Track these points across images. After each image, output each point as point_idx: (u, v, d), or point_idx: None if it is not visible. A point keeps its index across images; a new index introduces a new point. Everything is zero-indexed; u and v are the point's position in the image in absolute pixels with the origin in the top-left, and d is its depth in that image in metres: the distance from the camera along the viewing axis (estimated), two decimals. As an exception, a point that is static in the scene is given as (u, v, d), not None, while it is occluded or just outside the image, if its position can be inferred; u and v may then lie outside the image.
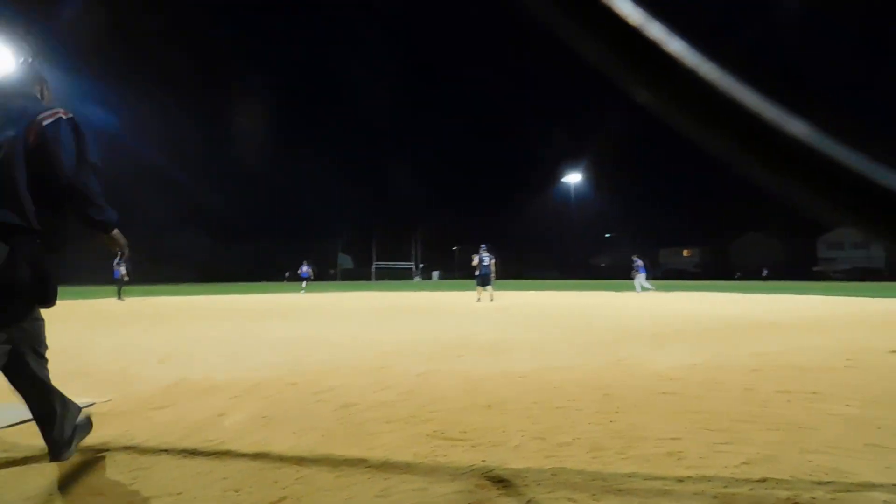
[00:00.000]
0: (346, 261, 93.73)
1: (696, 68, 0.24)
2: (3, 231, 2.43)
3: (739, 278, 69.55)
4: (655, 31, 0.26)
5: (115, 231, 2.77)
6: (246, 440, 3.23)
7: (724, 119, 0.24)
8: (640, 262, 27.39)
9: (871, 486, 2.49)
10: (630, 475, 2.65)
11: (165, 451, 3.05)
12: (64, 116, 2.62)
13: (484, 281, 19.71)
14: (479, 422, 3.59)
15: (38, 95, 2.86)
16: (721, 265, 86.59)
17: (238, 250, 76.09)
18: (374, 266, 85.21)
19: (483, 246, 20.04)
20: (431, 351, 6.90)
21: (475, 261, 20.00)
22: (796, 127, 0.23)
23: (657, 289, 28.97)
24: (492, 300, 19.50)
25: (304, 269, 34.31)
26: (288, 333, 9.06)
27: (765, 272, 68.38)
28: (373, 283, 62.91)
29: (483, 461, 2.85)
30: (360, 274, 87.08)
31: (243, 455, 2.98)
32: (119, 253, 2.92)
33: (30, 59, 2.91)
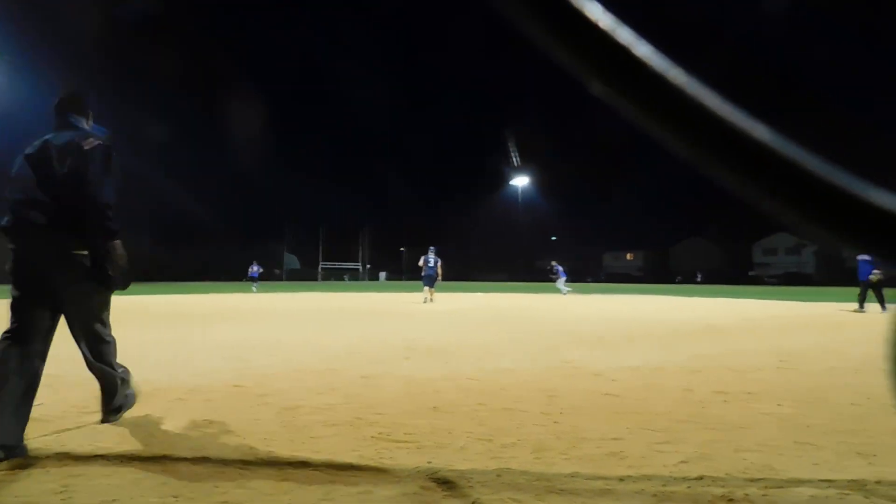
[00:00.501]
0: (292, 261, 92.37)
1: (664, 72, 0.24)
2: (73, 229, 3.14)
3: (680, 282, 71.49)
4: (624, 35, 0.25)
5: (117, 242, 3.24)
6: (186, 444, 3.14)
7: (687, 121, 0.24)
8: (559, 267, 28.41)
9: (800, 482, 2.59)
10: (573, 475, 2.69)
11: (100, 456, 2.92)
12: (101, 143, 3.27)
13: (430, 281, 20.03)
14: (424, 424, 3.58)
15: (85, 121, 3.52)
16: (662, 269, 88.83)
17: (183, 251, 74.14)
18: (320, 266, 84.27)
19: (431, 248, 20.41)
20: (377, 353, 6.85)
21: (421, 262, 20.41)
22: (758, 131, 0.23)
23: (581, 292, 29.81)
24: (432, 301, 19.63)
25: (254, 268, 33.91)
26: (232, 335, 8.87)
27: (699, 277, 70.43)
28: (319, 283, 62.19)
29: (428, 463, 2.84)
30: (306, 274, 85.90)
31: (183, 460, 2.88)
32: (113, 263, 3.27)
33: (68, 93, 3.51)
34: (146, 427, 3.49)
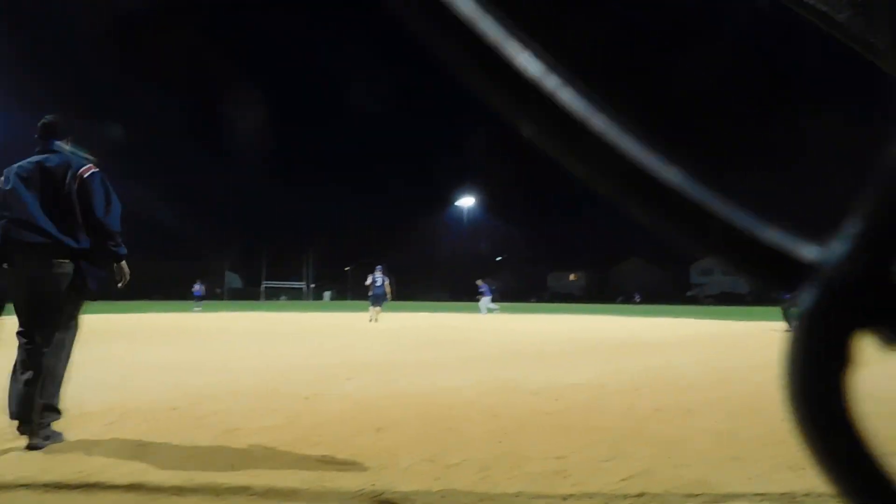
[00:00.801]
0: (234, 280, 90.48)
1: (585, 119, 0.25)
2: (72, 253, 3.57)
3: (621, 302, 72.91)
4: (551, 83, 0.26)
5: (124, 262, 3.82)
6: (119, 470, 3.01)
7: (606, 165, 0.25)
8: (484, 286, 28.69)
9: (735, 496, 2.66)
10: (517, 494, 2.69)
11: (25, 486, 2.78)
12: (96, 170, 3.68)
13: (376, 301, 19.99)
14: (368, 445, 3.54)
15: (65, 144, 3.80)
16: (604, 289, 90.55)
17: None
18: (263, 286, 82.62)
19: (378, 267, 20.44)
20: (319, 373, 6.74)
21: (368, 280, 20.39)
22: (670, 174, 0.24)
23: (503, 311, 30.10)
24: (377, 321, 19.40)
25: (197, 287, 33.16)
26: (169, 356, 8.60)
27: (637, 297, 72.00)
28: (262, 303, 60.96)
29: (373, 485, 2.80)
30: (248, 293, 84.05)
31: (115, 487, 2.77)
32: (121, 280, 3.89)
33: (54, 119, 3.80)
34: (76, 453, 3.33)
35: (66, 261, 3.56)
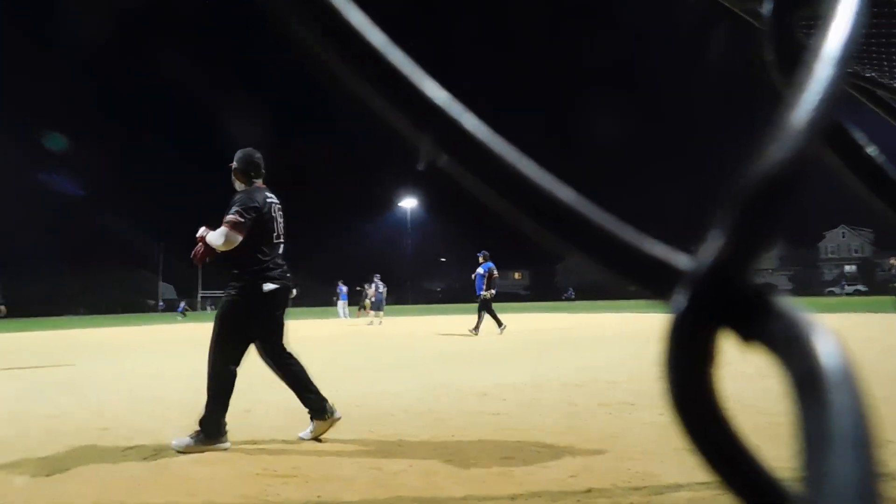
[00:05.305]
0: (168, 290, 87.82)
1: (486, 142, 0.27)
2: None
3: (568, 299, 74.04)
4: (454, 109, 0.28)
5: None
6: (37, 499, 2.87)
7: (506, 186, 0.26)
8: (342, 287, 28.71)
9: (679, 487, 2.74)
10: (464, 498, 2.71)
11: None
12: None
13: (378, 306, 22.37)
14: (310, 455, 3.49)
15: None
16: (548, 287, 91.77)
17: (37, 283, 68.26)
18: (199, 295, 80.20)
19: (377, 275, 22.84)
20: (254, 383, 6.55)
21: (372, 289, 23.00)
22: (565, 193, 0.26)
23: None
24: (381, 324, 21.50)
25: (181, 306, 32.01)
26: (93, 374, 8.28)
27: (570, 294, 73.22)
28: (198, 313, 59.28)
29: (318, 497, 2.77)
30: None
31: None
32: None
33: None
34: None
35: None
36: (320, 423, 3.94)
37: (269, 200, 4.07)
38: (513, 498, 2.68)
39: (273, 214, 4.08)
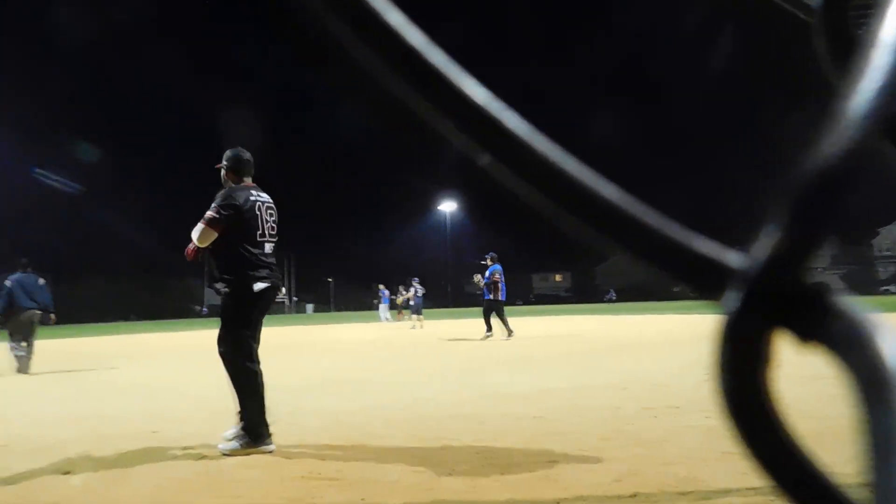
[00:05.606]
0: (211, 296, 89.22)
1: (528, 140, 0.26)
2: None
3: (611, 300, 72.98)
4: (495, 107, 0.28)
5: None
6: (93, 499, 2.95)
7: (549, 184, 0.26)
8: (384, 291, 28.59)
9: (727, 492, 2.67)
10: (507, 502, 2.69)
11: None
12: None
13: (418, 310, 22.47)
14: (354, 459, 3.50)
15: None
16: (589, 288, 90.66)
17: (83, 290, 69.85)
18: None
19: (415, 279, 23.22)
20: (299, 387, 6.64)
21: (410, 292, 23.11)
22: (608, 190, 0.25)
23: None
24: (421, 328, 21.05)
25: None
26: (142, 378, 8.49)
27: (612, 295, 71.97)
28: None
29: (362, 500, 2.79)
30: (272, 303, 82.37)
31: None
32: None
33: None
34: (48, 484, 3.24)
35: None
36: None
37: (252, 198, 4.08)
38: (557, 502, 2.65)
39: (257, 212, 4.07)
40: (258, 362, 3.99)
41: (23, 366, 9.65)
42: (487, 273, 14.24)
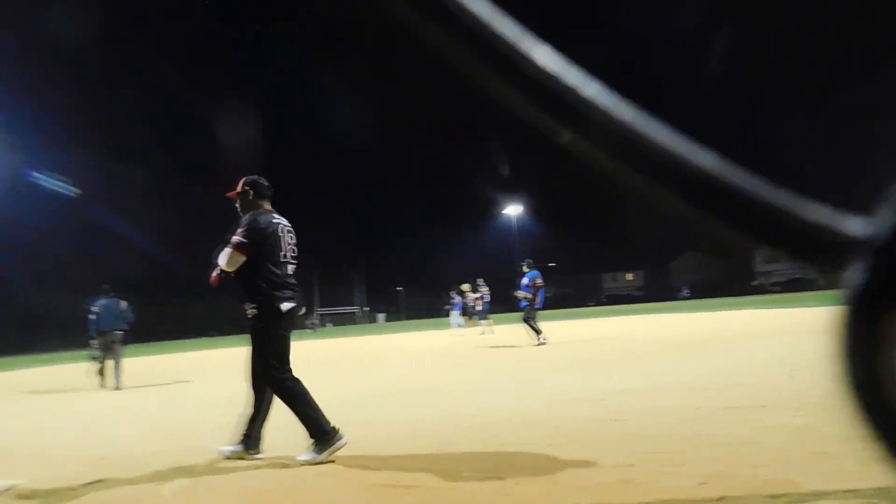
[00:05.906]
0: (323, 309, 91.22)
1: (611, 110, 0.24)
2: None
3: (682, 298, 70.90)
4: (572, 77, 0.26)
5: None
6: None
7: (639, 156, 0.24)
8: (455, 298, 26.98)
9: (823, 495, 2.52)
10: (587, 506, 2.63)
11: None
12: None
13: (485, 314, 21.78)
14: (430, 467, 3.49)
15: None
16: (662, 287, 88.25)
17: (165, 309, 72.21)
18: (317, 312, 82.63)
19: (480, 281, 22.33)
20: (372, 396, 6.72)
21: (476, 295, 22.30)
22: (705, 158, 0.23)
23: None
24: (492, 332, 20.60)
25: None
26: (224, 391, 8.71)
27: (685, 292, 69.64)
28: (318, 330, 61.04)
29: (439, 506, 2.78)
30: (301, 321, 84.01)
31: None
32: None
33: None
34: (143, 495, 3.37)
35: None
36: (242, 451, 4.11)
37: (274, 222, 4.23)
38: (640, 506, 2.58)
39: (280, 234, 4.22)
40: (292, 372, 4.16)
41: (110, 382, 10.35)
42: (527, 279, 13.67)
